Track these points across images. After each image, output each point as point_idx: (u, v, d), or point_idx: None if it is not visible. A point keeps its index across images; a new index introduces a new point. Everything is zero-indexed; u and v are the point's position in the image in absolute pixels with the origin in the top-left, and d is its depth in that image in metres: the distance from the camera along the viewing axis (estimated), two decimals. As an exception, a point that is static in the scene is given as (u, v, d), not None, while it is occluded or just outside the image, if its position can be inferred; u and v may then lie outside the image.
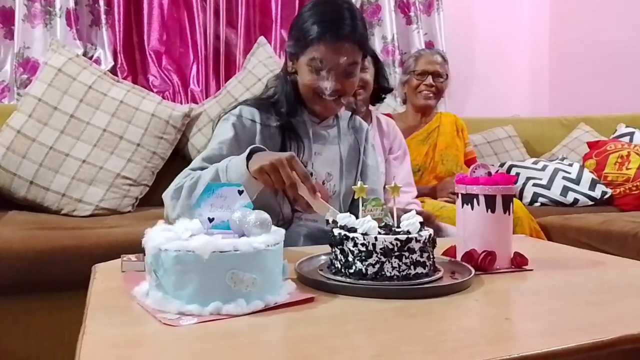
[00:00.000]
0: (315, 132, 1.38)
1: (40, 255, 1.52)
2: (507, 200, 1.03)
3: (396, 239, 0.87)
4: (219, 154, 1.27)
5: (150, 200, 2.18)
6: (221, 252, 0.74)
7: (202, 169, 1.23)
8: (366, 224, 0.90)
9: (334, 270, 0.92)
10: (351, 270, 0.89)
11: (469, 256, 1.02)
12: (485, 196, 1.02)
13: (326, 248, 0.98)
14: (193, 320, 0.71)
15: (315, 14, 1.29)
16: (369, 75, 1.87)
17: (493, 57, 3.46)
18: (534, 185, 2.52)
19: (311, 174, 1.36)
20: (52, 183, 2.02)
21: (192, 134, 2.34)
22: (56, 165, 2.03)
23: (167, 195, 1.22)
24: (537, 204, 2.47)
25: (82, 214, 2.02)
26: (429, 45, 3.08)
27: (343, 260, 0.90)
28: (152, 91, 2.45)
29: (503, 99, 3.46)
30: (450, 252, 1.09)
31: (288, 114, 1.35)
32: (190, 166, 1.28)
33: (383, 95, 1.99)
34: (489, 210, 1.02)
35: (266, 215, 0.83)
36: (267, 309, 0.76)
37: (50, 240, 1.57)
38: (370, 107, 2.02)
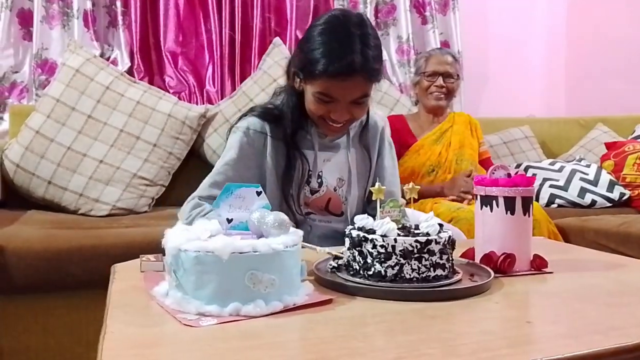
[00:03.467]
0: (322, 142, 1.37)
1: (59, 255, 1.54)
2: (526, 202, 1.02)
3: (416, 241, 0.87)
4: (225, 177, 1.27)
5: (167, 200, 2.19)
6: (240, 253, 0.75)
7: (211, 197, 1.24)
8: (385, 225, 0.90)
9: (352, 272, 0.92)
10: (370, 272, 0.88)
11: (488, 258, 1.01)
12: (505, 198, 1.01)
13: (341, 249, 0.98)
14: (212, 321, 0.71)
15: (324, 42, 1.19)
16: None
17: (509, 56, 3.43)
18: (551, 186, 2.49)
19: (320, 182, 1.36)
20: (69, 183, 2.04)
21: (207, 134, 2.35)
22: (74, 165, 2.05)
23: (180, 221, 1.23)
24: (554, 206, 2.44)
25: (99, 213, 2.04)
26: (445, 45, 3.06)
27: (362, 262, 0.90)
28: (168, 92, 2.47)
29: (519, 99, 3.42)
30: (469, 254, 1.08)
31: (293, 130, 1.32)
32: (198, 193, 1.28)
33: None
34: (509, 212, 1.01)
35: (284, 216, 0.84)
36: (285, 310, 0.76)
37: (69, 239, 1.59)
38: None
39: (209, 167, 1.54)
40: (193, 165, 2.30)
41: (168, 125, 2.19)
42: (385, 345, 0.68)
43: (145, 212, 2.12)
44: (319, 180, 1.36)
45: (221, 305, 0.73)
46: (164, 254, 0.83)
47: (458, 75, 2.32)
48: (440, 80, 2.25)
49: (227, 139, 1.37)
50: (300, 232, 0.85)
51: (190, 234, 0.80)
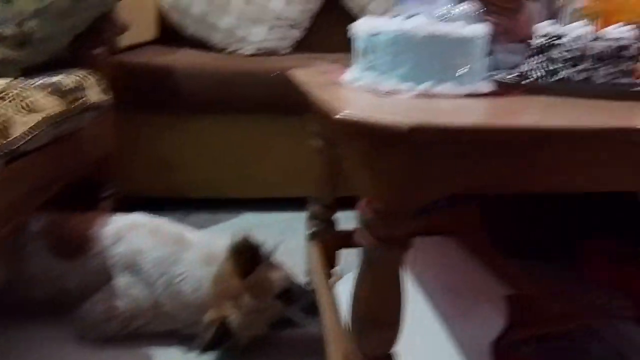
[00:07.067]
0: None
1: (224, 77, 1.66)
2: None
3: (610, 45, 0.83)
4: None
5: (306, 44, 2.22)
6: (436, 34, 0.75)
7: None
8: (577, 29, 0.86)
9: (534, 78, 0.90)
10: (557, 77, 0.86)
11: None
12: None
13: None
14: (408, 95, 0.74)
15: None
16: None
17: None
18: None
19: None
20: (219, 21, 2.12)
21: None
22: (223, 4, 2.12)
23: None
24: None
25: (246, 52, 2.11)
26: None
27: (545, 70, 0.88)
28: None
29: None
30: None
31: None
32: None
33: None
34: None
35: (474, 7, 0.83)
36: (476, 95, 0.78)
37: (232, 64, 1.69)
38: None
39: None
40: (332, 12, 2.29)
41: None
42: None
43: (287, 54, 2.17)
44: None
45: (416, 82, 0.76)
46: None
47: None
48: None
49: None
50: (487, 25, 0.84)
51: (382, 20, 0.81)
